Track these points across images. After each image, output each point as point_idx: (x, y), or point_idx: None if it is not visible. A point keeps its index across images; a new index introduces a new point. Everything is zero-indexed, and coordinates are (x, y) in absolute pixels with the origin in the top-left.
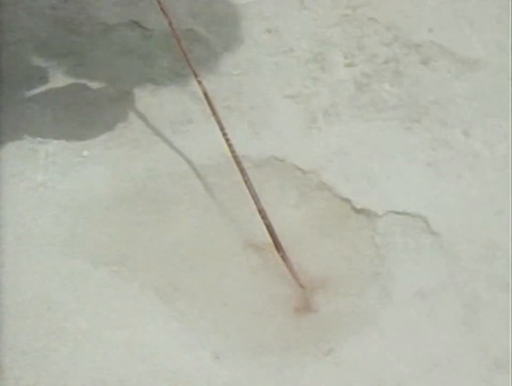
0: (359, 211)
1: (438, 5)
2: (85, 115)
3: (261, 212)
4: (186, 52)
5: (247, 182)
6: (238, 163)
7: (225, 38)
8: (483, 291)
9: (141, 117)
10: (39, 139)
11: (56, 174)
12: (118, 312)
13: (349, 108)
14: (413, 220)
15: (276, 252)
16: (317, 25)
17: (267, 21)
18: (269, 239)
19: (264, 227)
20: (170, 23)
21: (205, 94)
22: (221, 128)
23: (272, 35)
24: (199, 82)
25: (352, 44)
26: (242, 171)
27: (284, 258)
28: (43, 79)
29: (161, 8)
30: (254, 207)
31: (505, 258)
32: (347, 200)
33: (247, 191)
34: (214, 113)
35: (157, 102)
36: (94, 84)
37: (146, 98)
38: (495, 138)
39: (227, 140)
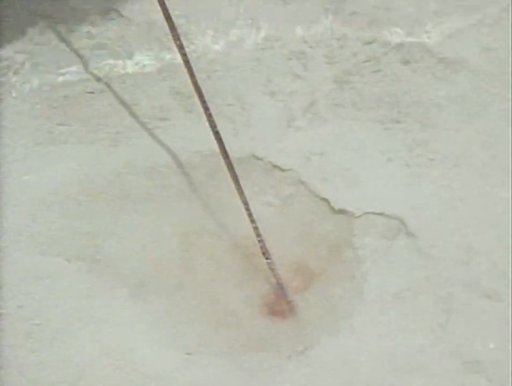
0: (336, 211)
1: (421, 3)
2: (61, 109)
3: (250, 216)
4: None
5: (235, 180)
6: (226, 156)
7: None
8: (458, 295)
9: (119, 112)
10: (14, 133)
11: (31, 170)
12: (91, 309)
13: (329, 107)
14: (390, 221)
15: (262, 257)
16: (300, 21)
17: (249, 15)
18: (249, 240)
19: (251, 231)
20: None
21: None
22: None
23: (254, 29)
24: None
25: (333, 42)
26: (230, 166)
27: (270, 265)
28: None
29: None
30: (234, 204)
31: (482, 262)
32: (325, 200)
33: (224, 187)
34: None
35: (135, 97)
36: (72, 77)
37: (124, 93)
38: (475, 141)
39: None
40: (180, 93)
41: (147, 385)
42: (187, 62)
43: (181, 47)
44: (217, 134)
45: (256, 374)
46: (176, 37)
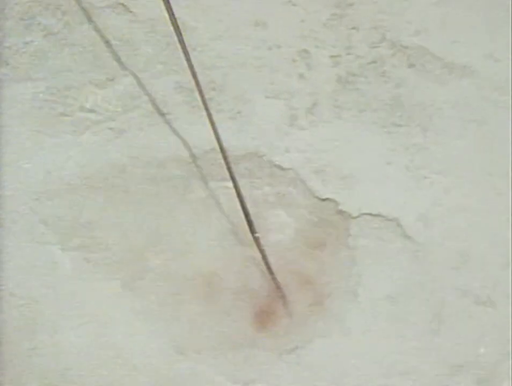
0: (334, 211)
1: (428, 7)
2: (64, 99)
3: (246, 213)
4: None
5: (231, 173)
6: (223, 152)
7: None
8: (451, 300)
9: (122, 104)
10: (15, 121)
11: (32, 158)
12: (84, 299)
13: (332, 108)
14: (387, 223)
15: (257, 254)
16: (305, 22)
17: (256, 15)
18: (246, 237)
19: (247, 228)
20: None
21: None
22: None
23: (260, 29)
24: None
25: (339, 43)
26: (226, 160)
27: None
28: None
29: None
30: (233, 202)
31: (476, 269)
32: (324, 200)
33: (225, 183)
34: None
35: (139, 90)
36: (77, 67)
37: (128, 86)
38: (476, 147)
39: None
40: (184, 88)
41: (136, 377)
42: (188, 60)
43: (183, 45)
44: (215, 131)
45: (245, 371)
46: (179, 34)
